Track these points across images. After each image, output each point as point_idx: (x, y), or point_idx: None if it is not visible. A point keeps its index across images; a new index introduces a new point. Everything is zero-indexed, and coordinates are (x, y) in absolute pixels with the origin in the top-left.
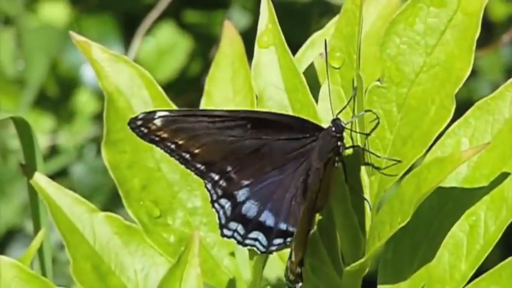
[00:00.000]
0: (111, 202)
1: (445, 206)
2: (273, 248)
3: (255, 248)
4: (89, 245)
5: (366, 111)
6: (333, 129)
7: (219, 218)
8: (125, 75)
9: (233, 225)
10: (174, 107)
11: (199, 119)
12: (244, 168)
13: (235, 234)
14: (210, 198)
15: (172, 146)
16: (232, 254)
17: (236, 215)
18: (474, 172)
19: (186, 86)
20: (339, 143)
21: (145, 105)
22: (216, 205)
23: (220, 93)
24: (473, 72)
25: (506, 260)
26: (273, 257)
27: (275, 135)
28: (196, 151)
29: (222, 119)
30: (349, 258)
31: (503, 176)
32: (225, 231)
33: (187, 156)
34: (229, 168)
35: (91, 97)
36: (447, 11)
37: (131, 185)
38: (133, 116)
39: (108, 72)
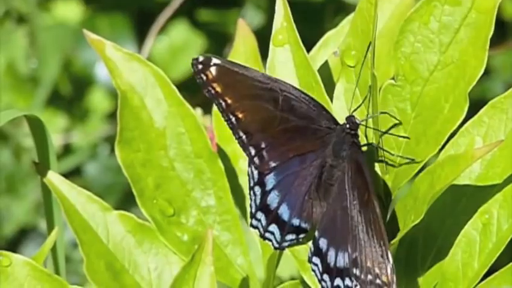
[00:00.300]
0: (124, 201)
1: (459, 204)
2: (285, 244)
3: (270, 243)
4: (102, 243)
5: (382, 112)
6: (348, 126)
7: (250, 207)
8: (139, 73)
9: (259, 215)
10: (188, 106)
11: (245, 77)
12: (274, 148)
13: (259, 225)
14: (248, 184)
15: (223, 104)
16: (246, 252)
17: (263, 204)
18: (487, 170)
19: (200, 85)
20: (354, 140)
21: (159, 103)
22: (251, 192)
23: None
24: (486, 72)
25: None
26: (286, 256)
27: (299, 115)
28: (240, 116)
29: (260, 83)
30: None
31: None
32: (253, 222)
33: (234, 119)
34: (263, 145)
35: (104, 96)
36: (461, 9)
37: (145, 183)
38: (194, 57)
39: (121, 70)
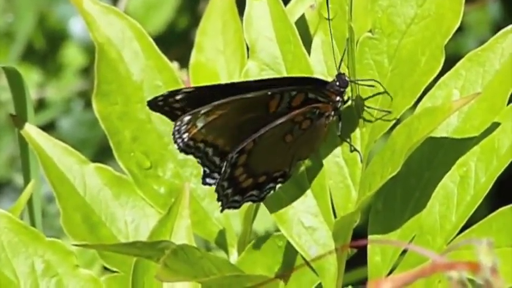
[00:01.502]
0: (98, 156)
1: (436, 157)
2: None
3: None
4: (79, 195)
5: (370, 86)
6: (337, 83)
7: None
8: (116, 26)
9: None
10: (165, 59)
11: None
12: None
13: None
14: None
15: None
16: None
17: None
18: (465, 123)
19: (174, 40)
20: (338, 98)
21: (136, 56)
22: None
23: (211, 45)
24: (461, 28)
25: (497, 211)
26: (262, 211)
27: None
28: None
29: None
30: (340, 210)
31: (494, 126)
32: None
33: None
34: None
35: (79, 51)
36: None
37: (122, 136)
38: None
39: (99, 24)
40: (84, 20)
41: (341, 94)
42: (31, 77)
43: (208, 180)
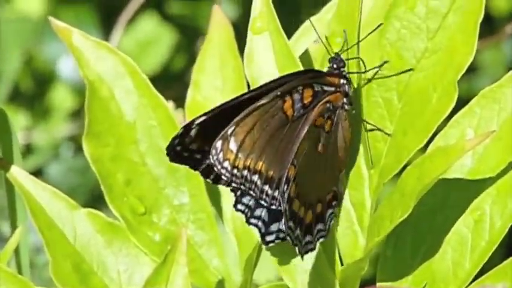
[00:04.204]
0: (90, 205)
1: (449, 199)
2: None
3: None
4: (69, 243)
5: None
6: (334, 66)
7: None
8: (107, 62)
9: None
10: (159, 96)
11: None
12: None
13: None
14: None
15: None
16: (222, 254)
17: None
18: (479, 164)
19: (170, 81)
20: (342, 80)
21: (128, 94)
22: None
23: (209, 83)
24: (475, 69)
25: None
26: (262, 259)
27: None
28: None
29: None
30: (347, 257)
31: (510, 167)
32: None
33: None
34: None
35: (68, 93)
36: None
37: (114, 179)
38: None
39: (89, 59)
40: (73, 56)
41: (343, 75)
42: (18, 120)
43: (239, 206)
